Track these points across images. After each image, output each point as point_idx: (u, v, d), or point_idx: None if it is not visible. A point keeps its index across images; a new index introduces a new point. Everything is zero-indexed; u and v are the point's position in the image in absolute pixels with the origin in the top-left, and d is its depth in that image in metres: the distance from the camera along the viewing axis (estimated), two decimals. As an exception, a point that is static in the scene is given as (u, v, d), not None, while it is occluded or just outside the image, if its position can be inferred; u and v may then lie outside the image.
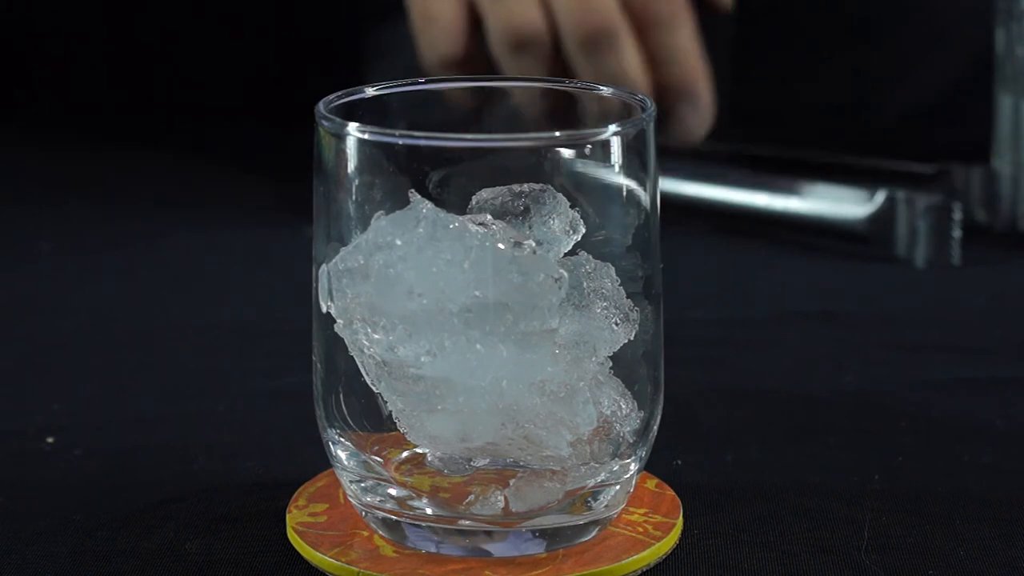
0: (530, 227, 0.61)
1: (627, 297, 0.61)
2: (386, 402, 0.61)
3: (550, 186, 0.60)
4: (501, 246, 0.58)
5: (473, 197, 0.60)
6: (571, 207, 0.60)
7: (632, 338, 0.61)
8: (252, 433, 0.73)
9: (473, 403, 0.59)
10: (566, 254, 0.60)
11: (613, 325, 0.60)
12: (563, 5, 0.96)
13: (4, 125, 1.26)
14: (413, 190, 0.59)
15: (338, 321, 0.60)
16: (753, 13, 1.26)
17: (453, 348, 0.58)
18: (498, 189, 0.61)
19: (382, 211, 0.60)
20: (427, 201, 0.59)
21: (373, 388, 0.61)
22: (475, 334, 0.58)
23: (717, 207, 1.02)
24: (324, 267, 0.61)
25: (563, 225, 0.61)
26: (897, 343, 0.84)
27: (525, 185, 0.61)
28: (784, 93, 1.28)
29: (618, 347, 0.61)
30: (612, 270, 0.60)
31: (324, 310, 0.61)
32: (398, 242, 0.59)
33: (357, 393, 0.62)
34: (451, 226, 0.58)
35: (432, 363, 0.59)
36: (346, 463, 0.63)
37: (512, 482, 0.60)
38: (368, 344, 0.59)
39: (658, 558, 0.62)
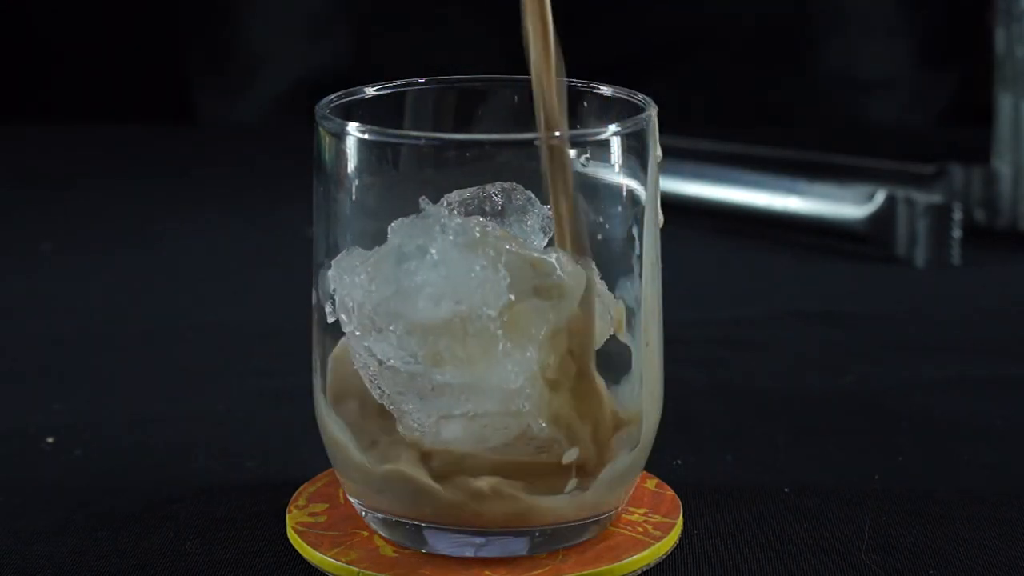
0: (508, 226, 0.61)
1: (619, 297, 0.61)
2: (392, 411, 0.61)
3: (519, 184, 0.60)
4: (521, 250, 0.58)
5: (443, 198, 0.60)
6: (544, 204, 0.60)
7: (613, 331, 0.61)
8: (252, 433, 0.73)
9: (497, 406, 0.59)
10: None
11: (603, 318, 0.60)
12: None
13: (4, 125, 1.26)
14: (424, 197, 0.59)
15: (357, 332, 0.60)
16: (751, 13, 1.26)
17: (486, 353, 0.58)
18: (467, 190, 0.61)
19: (400, 218, 0.60)
20: (442, 208, 0.59)
21: (379, 400, 0.60)
22: (508, 337, 0.58)
23: (717, 207, 1.02)
24: (332, 275, 0.60)
25: (538, 222, 0.61)
26: (897, 343, 0.84)
27: (495, 184, 0.61)
28: (781, 92, 1.28)
29: (604, 340, 0.61)
30: (592, 263, 0.60)
31: (330, 319, 0.61)
32: (433, 250, 0.58)
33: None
34: (477, 233, 0.58)
35: (461, 370, 0.58)
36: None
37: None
38: (388, 354, 0.59)
39: (658, 558, 0.62)
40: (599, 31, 1.24)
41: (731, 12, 1.26)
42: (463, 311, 0.58)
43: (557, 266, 0.58)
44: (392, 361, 0.59)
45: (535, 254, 0.58)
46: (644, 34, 1.26)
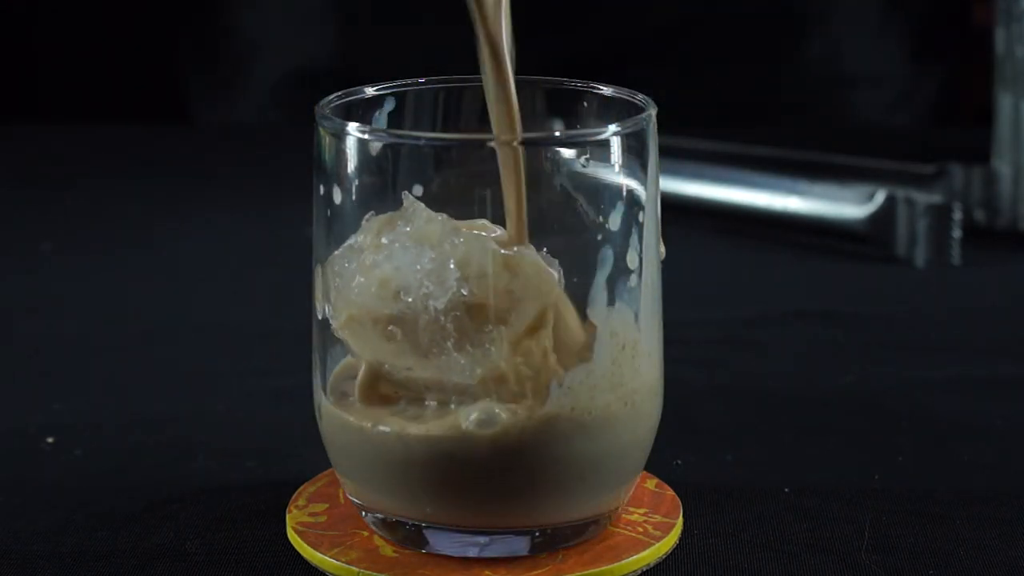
0: None
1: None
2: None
3: None
4: (491, 246, 0.58)
5: None
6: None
7: None
8: (252, 433, 0.73)
9: (463, 401, 0.59)
10: None
11: None
12: None
13: (4, 125, 1.26)
14: (407, 192, 0.59)
15: (332, 321, 0.60)
16: (750, 14, 1.26)
17: (439, 347, 0.58)
18: None
19: (372, 212, 0.60)
20: (419, 203, 0.59)
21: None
22: (463, 334, 0.58)
23: (717, 207, 1.02)
24: (319, 267, 0.61)
25: None
26: (897, 343, 0.84)
27: None
28: (781, 92, 1.28)
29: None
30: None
31: (320, 315, 0.61)
32: (384, 241, 0.59)
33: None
34: (440, 227, 0.58)
35: (421, 364, 0.59)
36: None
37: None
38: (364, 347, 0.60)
39: (658, 558, 0.62)
40: (584, 29, 1.24)
41: (715, 9, 1.26)
42: (411, 303, 0.58)
43: (523, 265, 0.58)
44: (368, 352, 0.59)
45: (503, 252, 0.58)
46: (632, 30, 1.26)
